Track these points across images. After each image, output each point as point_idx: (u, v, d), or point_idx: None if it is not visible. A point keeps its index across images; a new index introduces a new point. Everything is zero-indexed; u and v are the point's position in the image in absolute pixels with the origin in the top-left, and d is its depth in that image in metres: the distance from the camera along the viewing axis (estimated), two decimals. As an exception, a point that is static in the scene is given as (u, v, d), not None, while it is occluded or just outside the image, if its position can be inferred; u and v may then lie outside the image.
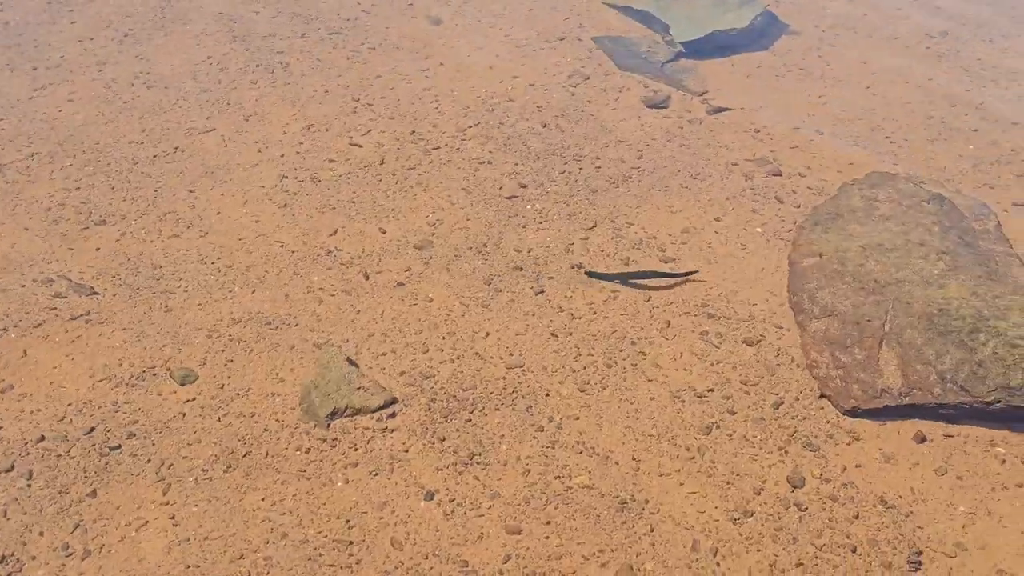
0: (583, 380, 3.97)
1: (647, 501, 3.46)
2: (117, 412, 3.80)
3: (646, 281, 4.46)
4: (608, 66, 6.39)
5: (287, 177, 5.21)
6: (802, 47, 6.70)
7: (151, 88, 6.07)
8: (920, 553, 3.27)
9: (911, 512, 3.42)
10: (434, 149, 5.46)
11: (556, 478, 3.55)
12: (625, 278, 4.46)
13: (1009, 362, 3.68)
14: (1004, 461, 3.60)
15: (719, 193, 5.11)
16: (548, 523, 3.38)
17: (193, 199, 5.04)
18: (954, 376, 3.73)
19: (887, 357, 3.89)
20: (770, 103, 6.00)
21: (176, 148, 5.47)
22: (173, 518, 3.40)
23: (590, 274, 4.46)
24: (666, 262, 4.60)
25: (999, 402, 3.65)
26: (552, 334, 4.20)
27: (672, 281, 4.49)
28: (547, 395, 3.90)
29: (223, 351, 4.09)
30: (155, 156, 5.38)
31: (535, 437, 3.71)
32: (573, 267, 4.57)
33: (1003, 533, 3.34)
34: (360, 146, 5.48)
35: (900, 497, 3.48)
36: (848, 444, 3.69)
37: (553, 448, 3.67)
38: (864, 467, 3.60)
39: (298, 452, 3.64)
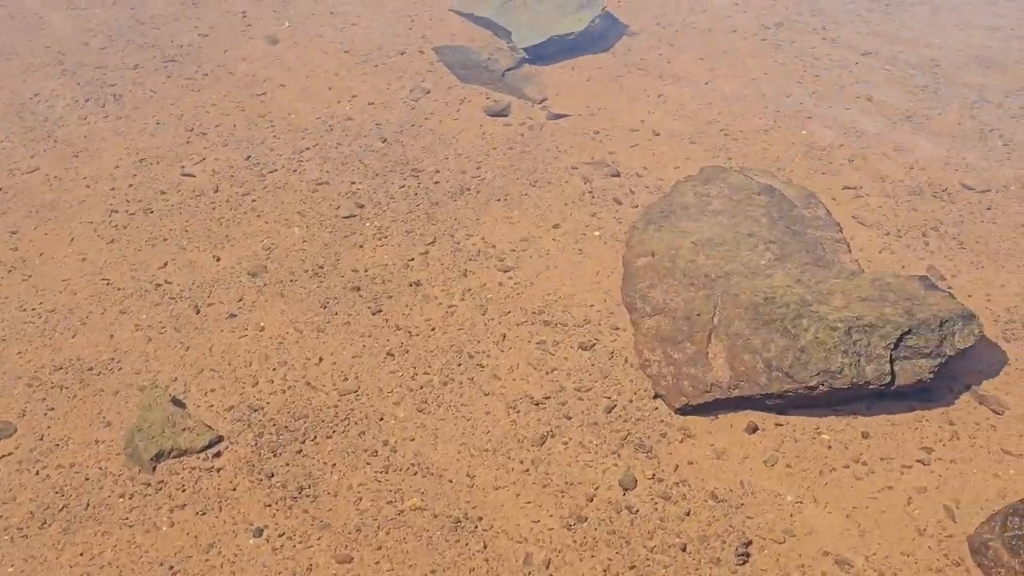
0: (420, 399, 3.92)
1: (480, 518, 3.42)
2: (-74, 475, 3.62)
3: None
4: (449, 78, 6.35)
5: (117, 212, 5.04)
6: (642, 47, 6.77)
7: (-27, 129, 5.83)
8: (749, 544, 3.30)
9: (741, 504, 3.45)
10: (270, 173, 5.35)
11: (388, 503, 3.48)
12: None
13: (829, 345, 3.75)
14: (830, 447, 3.66)
15: (558, 198, 5.11)
16: (379, 549, 3.31)
17: (16, 241, 4.84)
18: (779, 364, 3.78)
19: (716, 350, 3.93)
20: (610, 105, 6.04)
21: None
22: (-14, 582, 3.24)
23: None
24: (504, 271, 4.58)
25: (822, 386, 3.71)
26: (389, 353, 4.14)
27: None
28: (381, 419, 3.83)
29: (44, 400, 3.93)
30: (-23, 200, 5.17)
31: (368, 463, 3.64)
32: (412, 284, 4.51)
33: (828, 517, 3.39)
34: (193, 175, 5.34)
35: (731, 491, 3.51)
36: (681, 441, 3.70)
37: (387, 472, 3.60)
38: (696, 464, 3.62)
39: (121, 499, 3.51)
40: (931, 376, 3.73)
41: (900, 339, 3.75)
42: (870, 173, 5.27)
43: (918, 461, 3.57)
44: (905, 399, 3.80)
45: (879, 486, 3.48)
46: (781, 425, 3.76)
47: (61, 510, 3.47)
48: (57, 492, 3.54)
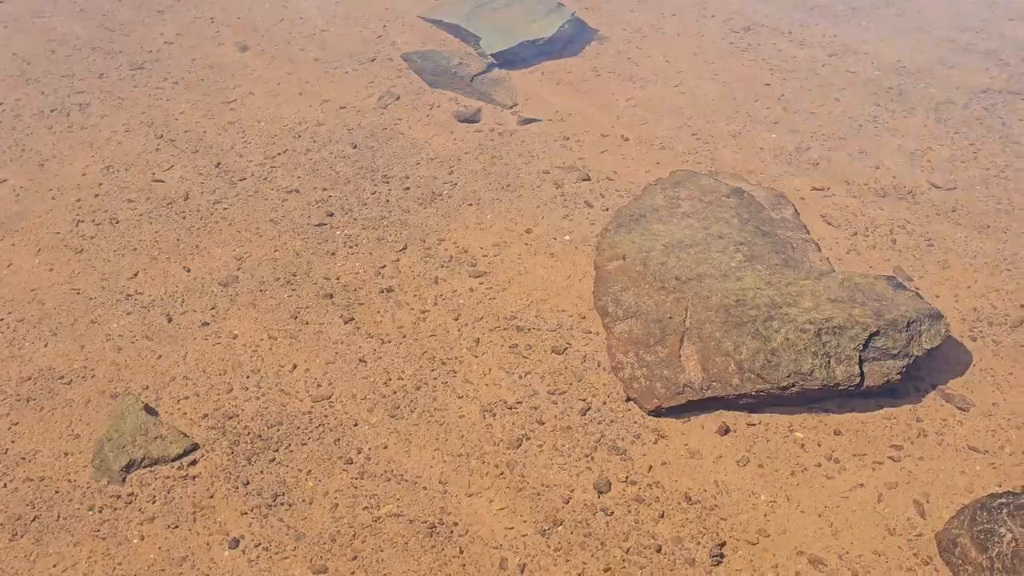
0: (393, 405, 3.91)
1: (456, 523, 3.43)
2: None
3: None
4: (419, 84, 6.36)
5: (84, 221, 5.00)
6: (611, 51, 6.80)
7: (-62, 139, 5.77)
8: (723, 545, 3.32)
9: (715, 505, 3.48)
10: (240, 180, 5.33)
11: (364, 510, 3.48)
12: None
13: (800, 347, 3.78)
14: (803, 445, 3.69)
15: (530, 203, 5.13)
16: (355, 558, 3.31)
17: (-17, 253, 4.80)
18: (751, 365, 3.81)
19: (688, 352, 3.95)
20: (580, 109, 6.06)
21: (-33, 201, 5.20)
22: (-43, 597, 3.21)
23: None
24: (476, 277, 4.59)
25: (794, 387, 3.74)
26: (361, 360, 4.13)
27: None
28: (355, 425, 3.83)
29: (9, 414, 3.88)
30: (-58, 211, 5.11)
31: (344, 470, 3.63)
32: (384, 291, 4.51)
33: (802, 517, 3.42)
34: (163, 182, 5.31)
35: (705, 491, 3.53)
36: (654, 443, 3.73)
37: (362, 479, 3.60)
38: (670, 465, 3.64)
39: (91, 512, 3.48)
40: (899, 377, 3.78)
41: (868, 340, 3.79)
42: (837, 174, 5.32)
43: (889, 458, 3.62)
44: (874, 398, 3.84)
45: (851, 484, 3.52)
46: (753, 425, 3.79)
47: (33, 521, 3.44)
48: (28, 505, 3.50)
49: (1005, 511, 3.18)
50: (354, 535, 3.38)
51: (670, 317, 4.09)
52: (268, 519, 3.44)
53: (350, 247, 4.80)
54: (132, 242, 4.85)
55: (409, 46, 6.85)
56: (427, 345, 4.21)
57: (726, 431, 3.76)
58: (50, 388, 3.99)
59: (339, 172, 5.40)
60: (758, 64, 6.58)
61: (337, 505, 3.50)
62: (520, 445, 3.73)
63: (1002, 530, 3.12)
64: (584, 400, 3.91)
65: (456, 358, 4.14)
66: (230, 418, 3.85)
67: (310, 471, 3.63)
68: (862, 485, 3.52)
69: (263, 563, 3.30)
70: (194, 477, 3.61)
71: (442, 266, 4.66)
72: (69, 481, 3.60)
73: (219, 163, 5.49)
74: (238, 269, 4.66)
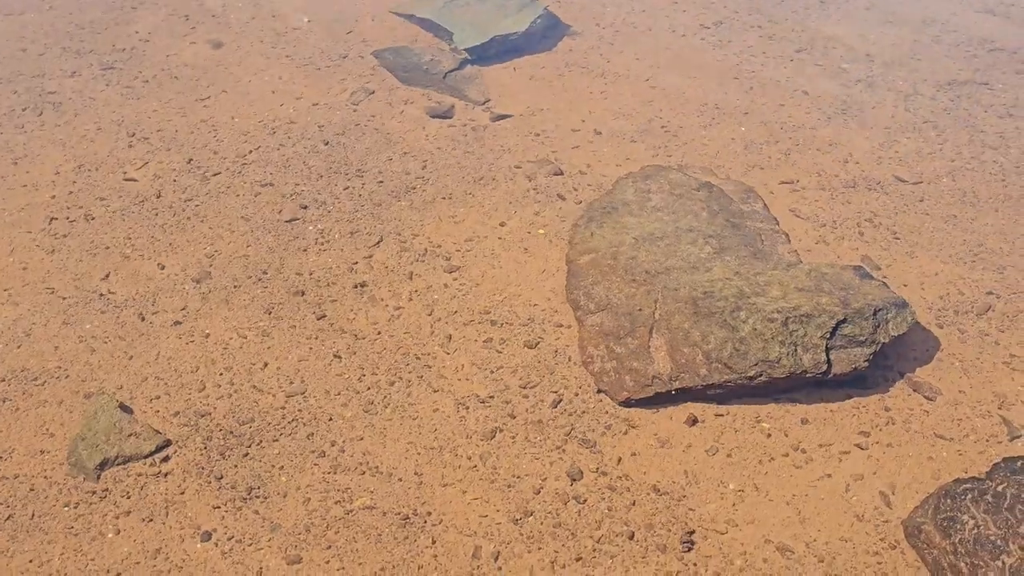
0: (367, 400, 3.94)
1: (429, 514, 3.46)
2: None
3: None
4: (392, 80, 6.38)
5: (57, 219, 4.99)
6: (583, 46, 6.84)
7: (-91, 139, 5.74)
8: (692, 532, 3.37)
9: (685, 495, 3.52)
10: (213, 176, 5.34)
11: (337, 503, 3.50)
12: None
13: (767, 336, 3.83)
14: (769, 435, 3.74)
15: (503, 197, 5.16)
16: (329, 548, 3.34)
17: (-45, 253, 4.79)
18: (718, 355, 3.86)
19: (657, 344, 3.99)
20: (552, 104, 6.10)
21: (-62, 200, 5.19)
22: (-69, 596, 3.22)
23: None
24: (450, 272, 4.61)
25: (761, 376, 3.79)
26: (335, 356, 4.16)
27: None
28: (329, 419, 3.85)
29: (-15, 412, 3.89)
30: (-87, 211, 5.10)
31: (316, 464, 3.66)
32: (357, 287, 4.53)
33: (769, 505, 3.47)
34: (135, 180, 5.31)
35: (674, 481, 3.58)
36: (625, 434, 3.77)
37: (335, 473, 3.62)
38: (640, 455, 3.68)
39: (66, 508, 3.49)
40: (866, 364, 3.83)
41: (836, 328, 3.85)
42: (806, 167, 5.38)
43: (856, 446, 3.67)
44: (842, 387, 3.90)
45: (818, 473, 3.58)
46: (722, 415, 3.83)
47: (7, 519, 3.45)
48: (2, 503, 3.51)
49: (969, 497, 3.24)
50: (328, 526, 3.41)
51: (640, 309, 4.13)
52: (242, 512, 3.46)
53: (323, 243, 4.82)
54: (105, 240, 4.85)
55: (381, 43, 6.86)
56: (401, 340, 4.24)
57: (695, 422, 3.81)
58: (24, 388, 4.00)
59: (312, 168, 5.42)
60: (728, 58, 6.63)
61: (310, 499, 3.52)
62: (493, 438, 3.76)
63: (964, 517, 3.18)
64: (556, 393, 3.95)
65: (430, 353, 4.17)
66: (203, 415, 3.86)
67: (283, 466, 3.65)
68: (829, 475, 3.58)
69: (236, 555, 3.32)
70: (166, 474, 3.63)
71: (416, 261, 4.69)
72: (45, 479, 3.61)
73: (191, 159, 5.49)
74: (210, 266, 4.67)
